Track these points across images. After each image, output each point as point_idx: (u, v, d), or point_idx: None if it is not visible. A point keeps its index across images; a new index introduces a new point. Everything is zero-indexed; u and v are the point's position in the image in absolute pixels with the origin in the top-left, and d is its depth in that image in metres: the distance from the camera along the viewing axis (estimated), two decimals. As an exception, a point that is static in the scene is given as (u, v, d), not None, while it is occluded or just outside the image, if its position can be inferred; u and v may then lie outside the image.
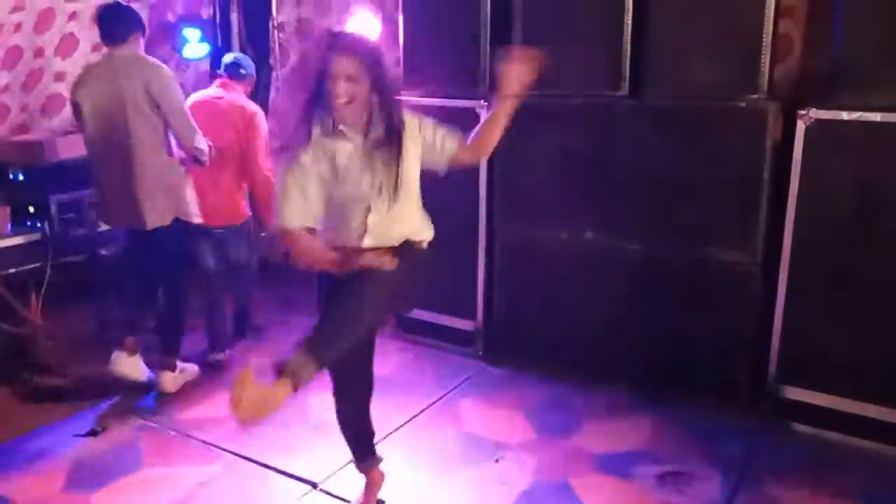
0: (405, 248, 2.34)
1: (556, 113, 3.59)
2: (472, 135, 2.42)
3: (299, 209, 2.25)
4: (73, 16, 4.08)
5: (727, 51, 3.17)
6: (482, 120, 2.32)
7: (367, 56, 2.14)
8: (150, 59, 3.36)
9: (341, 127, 2.23)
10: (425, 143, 2.35)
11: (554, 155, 3.62)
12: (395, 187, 2.25)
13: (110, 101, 3.26)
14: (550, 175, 3.65)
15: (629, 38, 3.35)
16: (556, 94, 3.58)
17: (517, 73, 2.27)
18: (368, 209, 2.28)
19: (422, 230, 2.45)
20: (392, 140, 2.24)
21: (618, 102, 3.42)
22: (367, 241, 2.29)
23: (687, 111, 3.29)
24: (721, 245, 3.27)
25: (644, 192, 3.41)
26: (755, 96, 3.13)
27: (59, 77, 4.29)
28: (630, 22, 3.33)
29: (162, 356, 3.64)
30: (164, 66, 3.36)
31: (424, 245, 2.46)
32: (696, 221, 3.31)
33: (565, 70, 3.53)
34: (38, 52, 4.04)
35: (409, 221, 2.39)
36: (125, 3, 3.45)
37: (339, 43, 2.15)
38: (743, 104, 3.14)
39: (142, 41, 3.39)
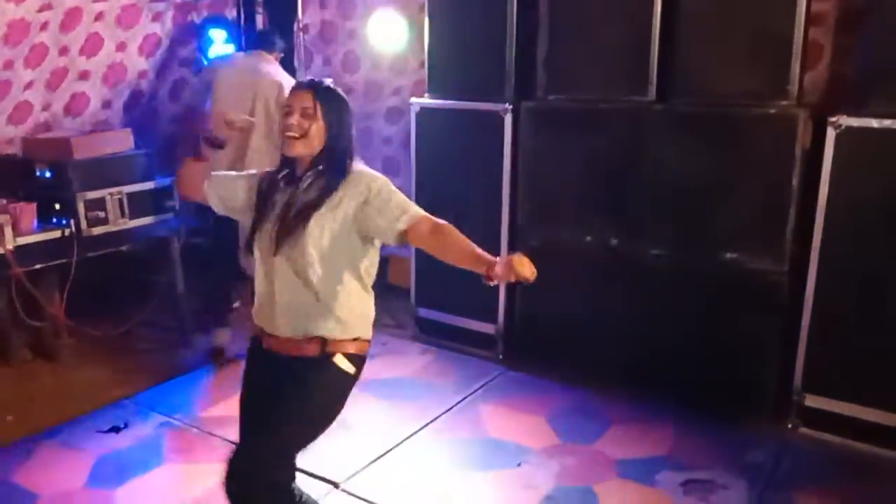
0: (310, 363, 2.06)
1: (583, 117, 3.59)
2: (436, 231, 1.99)
3: (219, 177, 2.28)
4: (99, 16, 4.10)
5: (756, 57, 3.15)
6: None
7: (329, 98, 2.08)
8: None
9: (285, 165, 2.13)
10: (368, 210, 2.01)
11: (579, 158, 3.61)
12: (284, 236, 2.02)
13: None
14: (575, 178, 3.64)
15: (657, 43, 3.34)
16: (582, 98, 3.58)
17: (517, 269, 1.85)
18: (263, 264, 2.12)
19: (338, 330, 2.07)
20: (323, 186, 2.04)
21: (645, 107, 3.41)
22: (276, 320, 2.09)
23: (715, 117, 3.27)
24: (748, 253, 3.25)
25: (670, 197, 3.39)
26: (785, 103, 3.11)
27: (84, 76, 4.32)
28: (658, 26, 3.33)
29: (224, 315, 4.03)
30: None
31: (340, 362, 2.08)
32: (722, 228, 3.29)
33: (591, 74, 3.54)
34: (63, 51, 4.07)
35: (316, 307, 2.05)
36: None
37: (306, 82, 2.14)
38: (772, 111, 3.12)
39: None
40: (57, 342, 4.00)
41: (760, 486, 2.87)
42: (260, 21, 5.00)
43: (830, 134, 3.00)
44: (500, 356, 4.01)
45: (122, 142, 4.18)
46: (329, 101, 2.08)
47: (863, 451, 3.10)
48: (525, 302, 3.93)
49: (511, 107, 3.73)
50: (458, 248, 1.96)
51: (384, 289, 4.75)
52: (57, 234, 3.75)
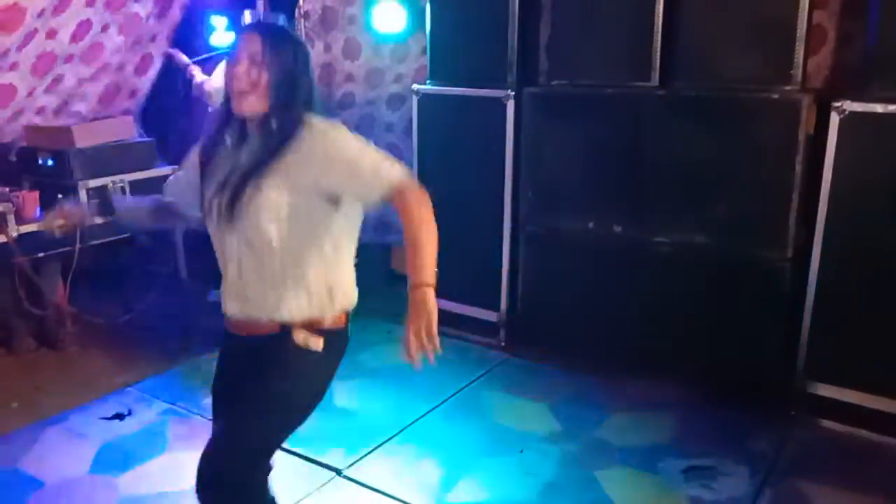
0: (268, 342, 1.83)
1: (585, 103, 3.57)
2: (409, 212, 1.71)
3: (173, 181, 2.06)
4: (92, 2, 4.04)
5: (760, 41, 3.12)
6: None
7: (281, 41, 1.77)
8: None
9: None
10: (332, 171, 1.75)
11: (582, 145, 3.59)
12: (230, 206, 1.76)
13: None
14: (578, 165, 3.62)
15: (660, 28, 3.31)
16: (584, 84, 3.56)
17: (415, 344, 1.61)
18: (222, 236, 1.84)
19: (299, 307, 1.81)
20: (267, 146, 1.76)
21: (647, 93, 3.38)
22: (228, 302, 1.88)
23: (718, 102, 3.25)
24: (751, 239, 3.23)
25: (673, 184, 3.38)
26: (788, 88, 3.08)
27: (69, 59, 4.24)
28: (661, 11, 3.30)
29: None
30: None
31: (300, 338, 1.82)
32: (726, 215, 3.28)
33: (594, 60, 3.52)
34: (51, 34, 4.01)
35: (273, 284, 1.80)
36: None
37: (253, 23, 1.84)
38: (776, 96, 3.10)
39: None
40: (60, 330, 4.00)
41: (762, 474, 2.87)
42: (261, 6, 4.97)
43: (834, 119, 2.98)
44: (503, 343, 4.01)
45: (123, 130, 4.18)
46: (281, 44, 1.76)
47: (865, 439, 3.09)
48: (527, 289, 3.92)
49: (513, 93, 3.70)
50: (416, 244, 1.68)
51: (387, 276, 4.76)
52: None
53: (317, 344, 1.82)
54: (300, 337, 1.81)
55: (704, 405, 3.32)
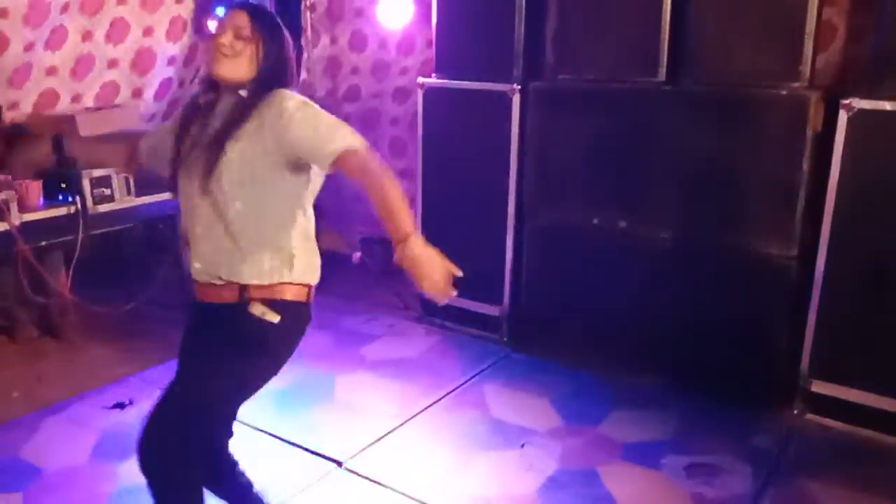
0: (227, 311, 1.88)
1: (591, 97, 3.55)
2: (366, 173, 1.75)
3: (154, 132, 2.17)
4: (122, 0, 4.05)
5: (768, 37, 3.10)
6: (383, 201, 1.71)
7: (267, 22, 1.88)
8: None
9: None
10: (290, 132, 1.78)
11: (587, 140, 3.57)
12: (199, 168, 1.83)
13: None
14: (583, 160, 3.60)
15: (667, 23, 3.29)
16: (590, 78, 3.54)
17: (423, 284, 1.65)
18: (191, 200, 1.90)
19: (259, 273, 1.86)
20: (235, 109, 1.83)
21: (654, 89, 3.36)
22: (194, 263, 1.94)
23: (725, 99, 3.22)
24: (757, 236, 3.21)
25: (679, 180, 3.35)
26: (796, 84, 3.06)
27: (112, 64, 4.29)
28: (669, 6, 3.28)
29: None
30: None
31: (256, 310, 1.85)
32: (731, 211, 3.25)
33: (601, 54, 3.50)
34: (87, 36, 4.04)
35: (235, 248, 1.85)
36: None
37: (239, 2, 1.94)
38: (784, 92, 3.07)
39: None
40: (63, 319, 4.00)
41: (765, 472, 2.85)
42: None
43: (842, 116, 2.95)
44: (505, 338, 4.00)
45: (128, 119, 4.16)
46: (267, 25, 1.88)
47: (869, 438, 3.08)
48: (530, 284, 3.91)
49: (519, 87, 3.69)
50: (383, 200, 1.69)
51: (389, 271, 4.76)
52: (63, 211, 3.75)
53: (272, 316, 1.85)
54: (258, 310, 1.85)
55: (707, 402, 3.30)
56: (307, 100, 1.85)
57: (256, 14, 1.87)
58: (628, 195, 3.51)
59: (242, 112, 1.82)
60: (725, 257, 3.30)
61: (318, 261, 2.00)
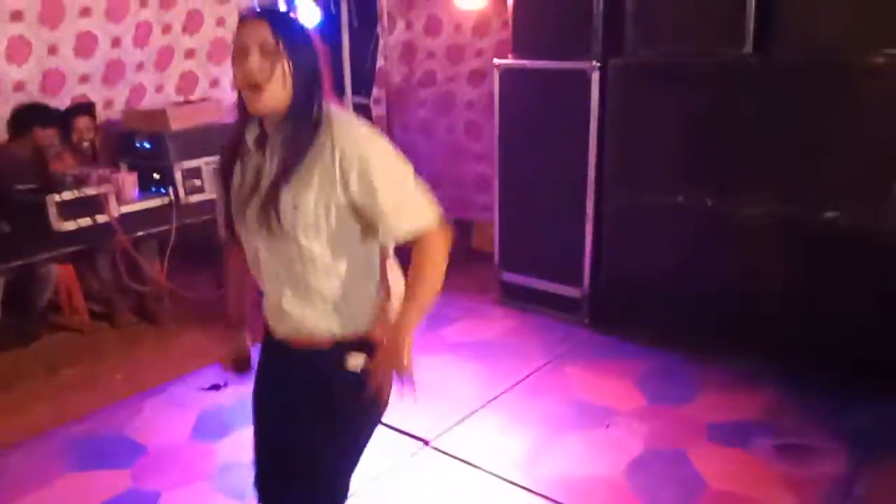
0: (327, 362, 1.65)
1: (674, 73, 3.47)
2: (416, 267, 1.62)
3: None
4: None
5: (863, 1, 2.96)
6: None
7: (292, 29, 1.55)
8: None
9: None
10: (363, 191, 1.53)
11: (671, 117, 3.50)
12: (269, 215, 1.54)
13: None
14: (667, 138, 3.53)
15: (753, -9, 3.18)
16: (673, 53, 3.46)
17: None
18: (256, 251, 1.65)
19: (347, 323, 1.65)
20: (293, 145, 1.53)
21: (741, 61, 3.25)
22: (269, 318, 1.75)
23: (818, 69, 3.09)
24: (856, 209, 3.07)
25: (770, 155, 3.24)
26: (894, 51, 2.91)
27: (189, 54, 4.45)
28: (754, -26, 3.17)
29: None
30: None
31: (354, 361, 1.65)
32: (828, 183, 3.12)
33: (683, 27, 3.41)
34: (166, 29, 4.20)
35: (322, 298, 1.62)
36: None
37: (256, 11, 1.64)
38: (881, 60, 2.93)
39: None
40: (159, 306, 4.20)
41: (860, 453, 2.76)
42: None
43: (946, 82, 2.81)
44: (586, 319, 3.97)
45: (214, 112, 4.32)
46: (292, 32, 1.53)
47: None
48: (611, 264, 3.86)
49: (598, 64, 3.63)
50: (412, 291, 1.61)
51: (467, 253, 4.78)
52: (157, 202, 3.93)
53: (365, 362, 1.68)
54: (353, 362, 1.66)
55: (798, 381, 3.21)
56: (372, 136, 1.57)
57: (277, 21, 1.53)
58: (715, 172, 3.42)
59: (301, 147, 1.53)
60: (823, 232, 3.17)
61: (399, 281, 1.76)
